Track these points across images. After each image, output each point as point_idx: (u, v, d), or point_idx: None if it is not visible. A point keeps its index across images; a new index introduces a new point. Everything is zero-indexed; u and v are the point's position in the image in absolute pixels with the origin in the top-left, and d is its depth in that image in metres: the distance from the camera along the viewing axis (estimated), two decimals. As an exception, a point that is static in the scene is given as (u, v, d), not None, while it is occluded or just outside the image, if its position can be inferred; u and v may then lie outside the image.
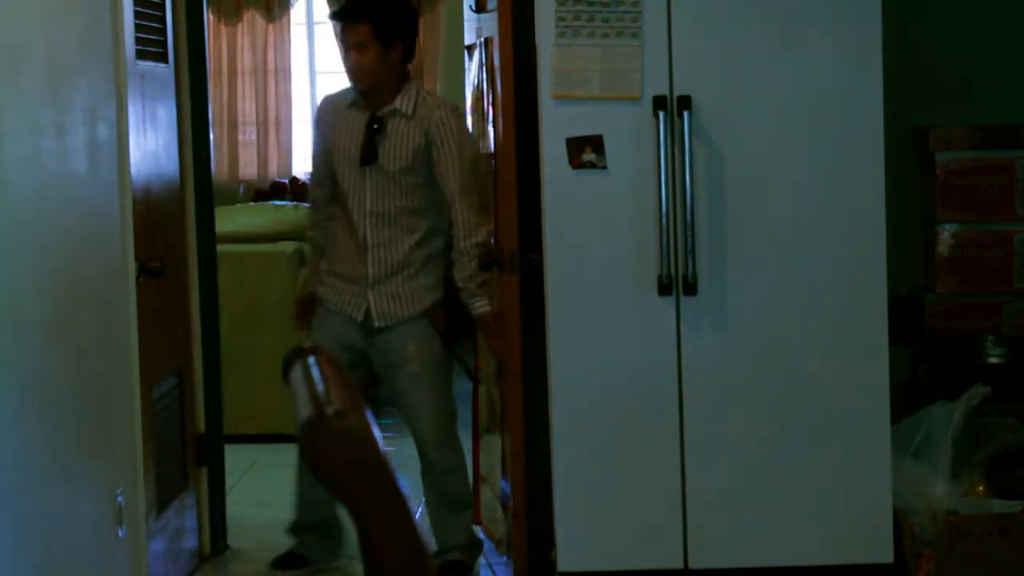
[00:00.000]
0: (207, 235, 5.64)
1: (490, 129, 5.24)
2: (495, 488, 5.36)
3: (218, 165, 10.88)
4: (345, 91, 5.32)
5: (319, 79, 11.44)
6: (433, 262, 5.22)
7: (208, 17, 5.87)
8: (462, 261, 5.11)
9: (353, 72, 5.18)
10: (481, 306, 5.12)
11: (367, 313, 5.20)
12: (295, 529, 5.48)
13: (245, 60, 11.26)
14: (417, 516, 5.48)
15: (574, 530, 4.75)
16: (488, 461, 5.48)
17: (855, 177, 4.68)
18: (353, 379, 1.99)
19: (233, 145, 11.31)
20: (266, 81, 11.25)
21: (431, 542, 5.26)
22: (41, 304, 3.93)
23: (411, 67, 5.29)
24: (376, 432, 1.73)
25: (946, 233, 5.37)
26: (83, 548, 4.24)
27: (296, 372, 1.94)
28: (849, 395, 4.71)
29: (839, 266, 4.71)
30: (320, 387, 1.81)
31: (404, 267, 5.19)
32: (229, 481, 5.99)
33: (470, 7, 5.55)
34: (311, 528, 5.44)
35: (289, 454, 5.70)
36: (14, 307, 3.73)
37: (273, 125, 11.30)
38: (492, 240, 5.15)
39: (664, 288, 4.65)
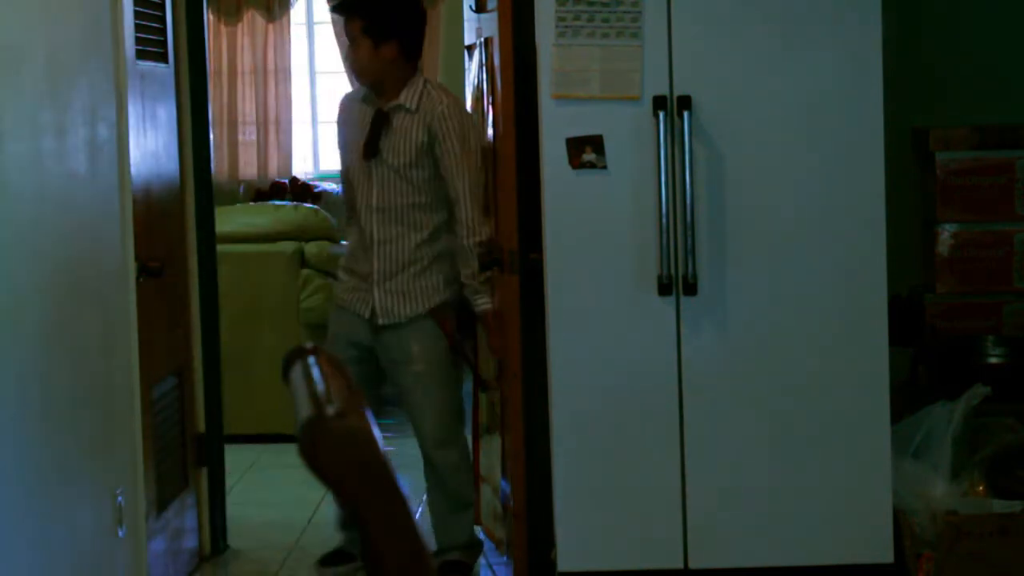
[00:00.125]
0: (207, 235, 5.64)
1: (490, 129, 5.24)
2: (495, 488, 5.36)
3: (218, 165, 10.88)
4: (362, 87, 5.33)
5: (319, 79, 11.43)
6: (441, 259, 5.18)
7: (208, 17, 5.87)
8: (465, 259, 5.10)
9: (348, 66, 5.18)
10: (483, 303, 5.11)
11: (373, 310, 5.20)
12: (344, 525, 5.45)
13: (245, 60, 11.25)
14: (417, 516, 5.47)
15: (574, 530, 4.75)
16: (488, 461, 5.47)
17: (855, 177, 4.68)
18: (353, 378, 1.99)
19: (233, 145, 11.30)
20: (266, 81, 11.24)
21: (431, 542, 5.25)
22: (41, 304, 3.93)
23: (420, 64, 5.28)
24: (376, 432, 1.73)
25: (946, 233, 5.36)
26: (83, 548, 4.24)
27: (296, 372, 1.94)
28: (849, 395, 4.71)
29: (839, 266, 4.71)
30: (320, 387, 1.81)
31: (410, 264, 5.15)
32: (229, 481, 5.99)
33: (470, 7, 5.55)
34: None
35: (289, 454, 5.65)
36: (14, 307, 3.73)
37: (273, 125, 11.29)
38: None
39: (664, 288, 4.65)
